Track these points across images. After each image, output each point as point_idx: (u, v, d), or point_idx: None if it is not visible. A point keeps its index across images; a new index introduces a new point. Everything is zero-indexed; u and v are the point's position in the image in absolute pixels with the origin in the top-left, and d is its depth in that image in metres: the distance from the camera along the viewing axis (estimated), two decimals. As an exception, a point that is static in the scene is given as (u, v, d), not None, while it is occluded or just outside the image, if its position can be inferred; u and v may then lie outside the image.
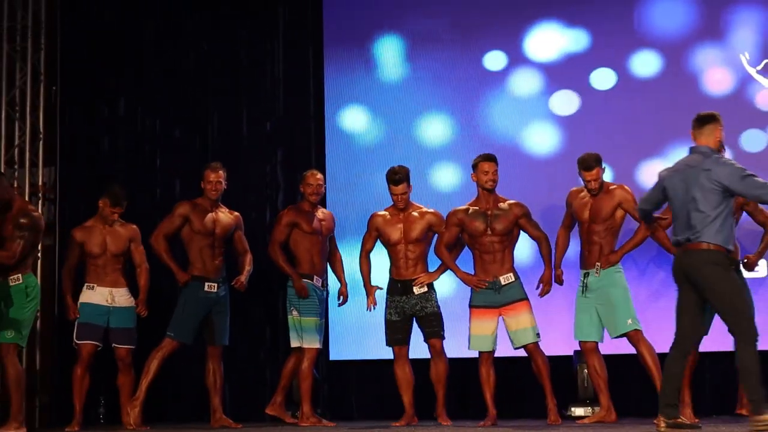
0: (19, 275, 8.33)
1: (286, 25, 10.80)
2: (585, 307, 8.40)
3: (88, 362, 8.91)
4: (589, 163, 8.37)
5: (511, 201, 8.59)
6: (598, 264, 8.34)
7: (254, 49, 10.84)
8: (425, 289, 8.66)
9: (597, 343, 8.42)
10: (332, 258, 9.16)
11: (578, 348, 8.79)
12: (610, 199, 8.38)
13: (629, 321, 8.25)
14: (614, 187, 8.48)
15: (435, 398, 8.73)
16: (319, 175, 9.10)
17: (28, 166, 10.53)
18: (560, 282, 8.62)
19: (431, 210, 8.83)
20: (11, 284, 8.29)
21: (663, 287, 9.32)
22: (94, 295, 8.96)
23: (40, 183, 10.59)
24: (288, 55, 10.75)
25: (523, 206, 8.58)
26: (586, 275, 8.40)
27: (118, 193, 9.07)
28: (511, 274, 8.48)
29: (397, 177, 8.69)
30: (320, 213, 9.07)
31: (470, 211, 8.57)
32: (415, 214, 8.76)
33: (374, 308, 8.82)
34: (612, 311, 8.30)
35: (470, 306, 8.56)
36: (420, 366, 8.85)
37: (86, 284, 9.01)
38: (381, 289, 8.81)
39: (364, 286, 8.85)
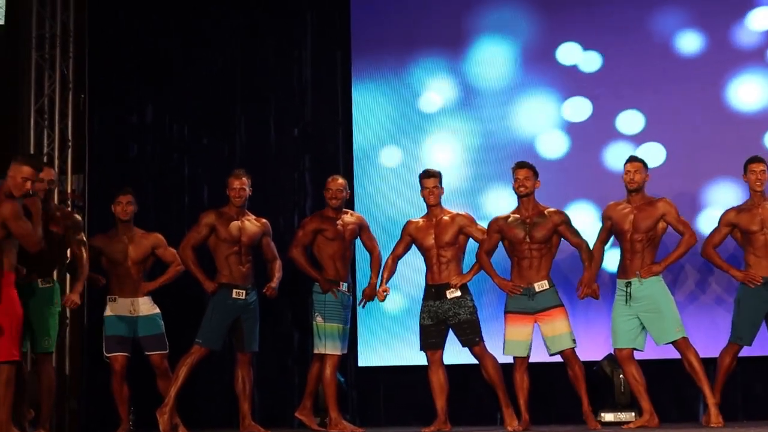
0: (51, 278, 8.39)
1: (314, 31, 10.82)
2: (626, 315, 8.44)
3: (122, 374, 8.95)
4: (633, 156, 8.64)
5: (551, 209, 8.63)
6: (638, 273, 8.38)
7: (282, 55, 10.85)
8: (458, 293, 8.65)
9: (633, 350, 8.45)
10: (370, 256, 9.16)
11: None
12: (653, 211, 8.47)
13: (677, 329, 8.37)
14: (657, 198, 8.56)
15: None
16: (341, 180, 9.11)
17: (57, 174, 10.55)
18: (596, 296, 8.61)
19: (462, 213, 8.85)
20: (40, 285, 8.32)
21: (696, 293, 9.32)
22: (117, 306, 8.99)
23: (69, 190, 10.61)
24: (316, 61, 10.76)
25: (563, 214, 8.63)
26: (627, 284, 8.43)
27: (124, 187, 9.12)
28: (546, 282, 8.49)
29: (430, 171, 8.80)
30: (347, 217, 9.08)
31: (510, 218, 8.62)
32: (446, 218, 8.79)
33: (386, 295, 8.84)
34: (660, 319, 8.39)
35: (505, 311, 8.59)
36: (453, 372, 8.83)
37: (108, 297, 9.04)
38: (388, 292, 8.82)
39: (379, 285, 8.88)
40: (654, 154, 9.66)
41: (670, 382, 9.41)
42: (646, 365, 8.61)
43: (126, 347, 8.97)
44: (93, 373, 10.32)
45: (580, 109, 10.03)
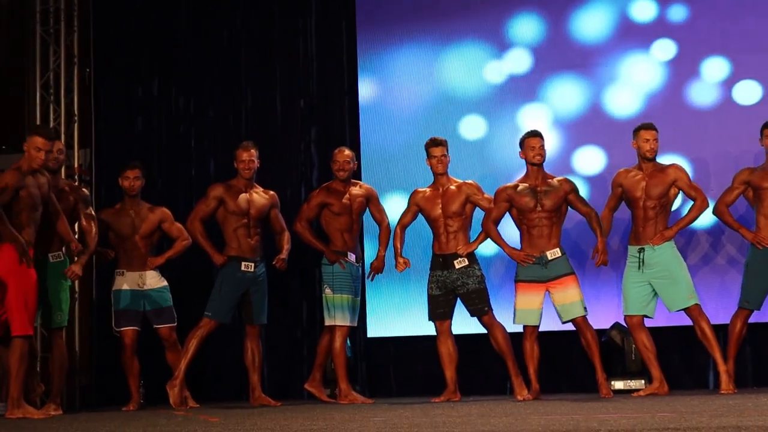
0: (61, 252, 8.41)
1: (319, 1, 10.77)
2: (638, 282, 8.46)
3: (131, 348, 9.00)
4: (650, 124, 8.57)
5: (560, 177, 8.63)
6: (651, 242, 8.39)
7: (287, 26, 10.82)
8: (466, 263, 8.64)
9: (644, 317, 8.47)
10: (379, 228, 9.16)
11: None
12: (664, 177, 8.47)
13: (689, 296, 8.38)
14: (668, 165, 8.56)
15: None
16: (347, 152, 9.10)
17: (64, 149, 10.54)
18: (606, 263, 8.59)
19: (468, 181, 8.83)
20: (51, 260, 8.35)
21: (708, 257, 9.34)
22: (125, 280, 9.02)
23: (76, 165, 10.61)
24: (320, 32, 10.73)
25: (572, 182, 8.61)
26: (640, 251, 8.44)
27: (130, 162, 9.14)
28: (558, 249, 8.47)
29: (437, 140, 8.78)
30: (355, 189, 9.06)
31: (519, 187, 8.58)
32: (453, 187, 8.77)
33: (407, 269, 8.83)
34: (673, 286, 8.40)
35: (516, 280, 8.56)
36: (462, 342, 8.84)
37: (116, 271, 9.07)
38: (408, 265, 8.82)
39: (395, 257, 8.85)
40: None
41: (681, 349, 9.41)
42: (656, 332, 8.61)
43: (135, 321, 9.00)
44: (102, 348, 10.35)
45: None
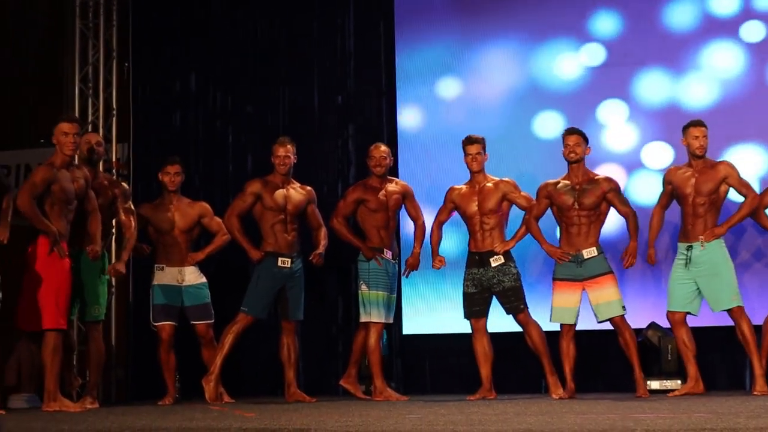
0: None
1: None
2: (684, 279, 8.42)
3: (169, 342, 9.02)
4: (699, 121, 8.51)
5: (601, 176, 8.59)
6: (702, 237, 8.33)
7: (325, 22, 10.82)
8: (502, 260, 8.63)
9: (687, 315, 8.43)
10: (414, 225, 9.14)
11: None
12: (715, 174, 8.41)
13: (733, 297, 8.34)
14: (718, 162, 8.53)
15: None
16: (384, 148, 9.09)
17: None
18: (652, 262, 8.59)
19: (505, 179, 8.81)
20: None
21: (757, 255, 9.28)
22: (165, 275, 9.04)
23: (114, 159, 10.66)
24: (359, 28, 10.72)
25: (613, 181, 8.59)
26: (689, 248, 8.39)
27: (170, 157, 9.17)
28: (595, 249, 8.45)
29: (473, 138, 8.76)
30: (392, 185, 9.05)
31: (560, 184, 8.57)
32: (490, 185, 8.77)
33: (442, 266, 8.85)
34: (718, 285, 8.36)
35: (553, 278, 8.56)
36: (498, 340, 8.82)
37: (156, 265, 9.09)
38: (444, 264, 8.82)
39: (432, 255, 8.85)
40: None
41: (720, 349, 9.36)
42: (697, 332, 8.56)
43: (173, 316, 9.03)
44: (139, 342, 10.39)
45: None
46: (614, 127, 9.89)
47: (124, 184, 9.09)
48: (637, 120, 9.89)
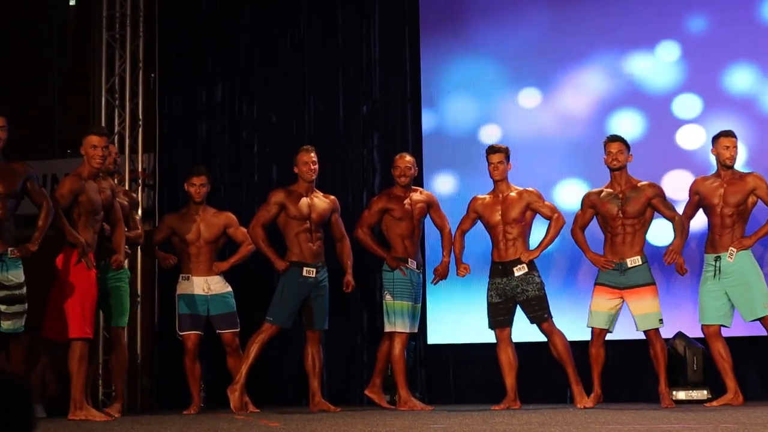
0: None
1: (382, 6, 10.77)
2: (714, 290, 8.37)
3: (194, 352, 9.03)
4: (730, 131, 8.46)
5: (644, 182, 8.55)
6: (732, 249, 8.29)
7: (350, 31, 10.83)
8: (525, 270, 8.61)
9: (721, 327, 8.38)
10: (441, 234, 9.14)
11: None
12: (743, 185, 8.37)
13: (765, 305, 8.28)
14: (747, 173, 8.50)
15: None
16: (408, 158, 9.09)
17: (128, 153, 10.65)
18: (683, 272, 8.55)
19: (529, 189, 8.79)
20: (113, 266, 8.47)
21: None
22: (191, 285, 9.07)
23: (140, 169, 10.71)
24: (384, 37, 10.73)
25: (657, 187, 8.56)
26: (717, 259, 8.35)
27: (196, 167, 9.20)
28: (639, 257, 8.42)
29: (495, 147, 8.77)
30: (416, 195, 9.05)
31: (603, 193, 8.56)
32: (513, 194, 8.74)
33: (467, 273, 8.81)
34: (749, 295, 8.31)
35: (595, 283, 8.55)
36: (522, 349, 8.81)
37: (181, 275, 9.10)
38: (468, 271, 8.80)
39: (456, 263, 8.85)
40: None
41: (757, 360, 9.32)
42: (732, 342, 8.51)
43: (199, 326, 9.05)
44: (163, 351, 10.43)
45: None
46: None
47: (133, 194, 9.20)
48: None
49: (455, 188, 10.11)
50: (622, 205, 8.44)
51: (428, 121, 10.42)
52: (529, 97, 10.22)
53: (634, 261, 8.40)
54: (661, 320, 8.39)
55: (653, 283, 8.43)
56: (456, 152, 10.28)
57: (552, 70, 10.18)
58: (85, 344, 7.92)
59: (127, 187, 10.18)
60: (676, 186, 9.26)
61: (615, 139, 8.55)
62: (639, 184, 8.51)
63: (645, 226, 8.50)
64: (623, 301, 8.45)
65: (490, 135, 10.05)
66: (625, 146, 8.51)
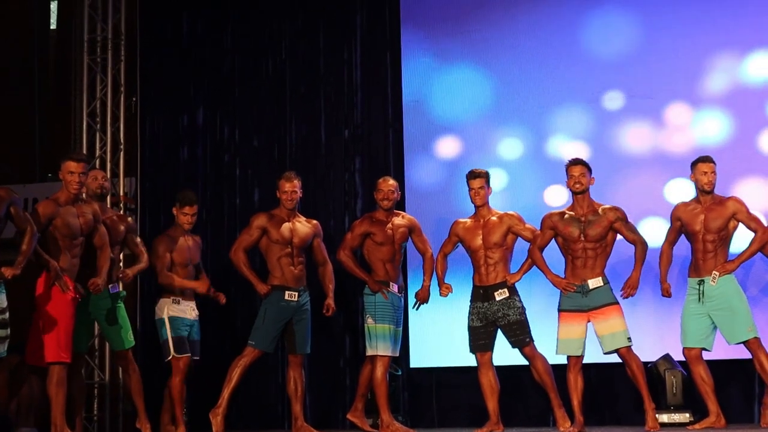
0: (116, 284, 8.61)
1: (364, 32, 10.78)
2: (697, 314, 8.39)
3: (185, 374, 8.98)
4: (708, 157, 8.50)
5: (606, 206, 8.55)
6: (716, 273, 8.33)
7: (332, 56, 10.84)
8: (506, 294, 8.61)
9: (702, 350, 8.41)
10: (423, 258, 9.14)
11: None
12: (723, 210, 8.41)
13: (749, 329, 8.30)
14: (727, 198, 8.53)
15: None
16: (392, 182, 9.10)
17: (110, 177, 10.63)
18: (668, 295, 8.59)
19: (510, 212, 8.80)
20: (112, 292, 8.53)
21: (760, 296, 9.27)
22: (180, 308, 9.00)
23: (121, 193, 10.70)
24: (366, 62, 10.74)
25: (619, 210, 8.53)
26: (700, 283, 8.38)
27: (186, 194, 9.14)
28: (600, 279, 8.41)
29: (476, 172, 8.77)
30: (398, 219, 9.05)
31: (565, 216, 8.55)
32: (494, 218, 8.74)
33: (450, 294, 8.80)
34: (732, 318, 8.33)
35: (559, 310, 8.51)
36: (504, 373, 8.81)
37: (172, 298, 8.96)
38: (451, 290, 8.80)
39: (438, 283, 8.84)
40: None
41: (739, 383, 9.34)
42: (714, 365, 8.53)
43: (189, 349, 8.99)
44: (147, 375, 10.38)
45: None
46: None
47: (130, 219, 9.13)
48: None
49: (436, 214, 10.07)
50: (584, 228, 8.44)
51: (410, 145, 10.41)
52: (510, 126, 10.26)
53: (595, 282, 8.39)
54: (629, 338, 8.36)
55: (617, 303, 8.41)
56: (438, 177, 10.28)
57: (535, 107, 10.19)
58: (63, 368, 7.90)
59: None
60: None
61: (577, 162, 8.56)
62: (600, 208, 8.51)
63: (606, 250, 8.50)
64: (588, 323, 8.44)
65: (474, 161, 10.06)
66: (587, 169, 8.52)
